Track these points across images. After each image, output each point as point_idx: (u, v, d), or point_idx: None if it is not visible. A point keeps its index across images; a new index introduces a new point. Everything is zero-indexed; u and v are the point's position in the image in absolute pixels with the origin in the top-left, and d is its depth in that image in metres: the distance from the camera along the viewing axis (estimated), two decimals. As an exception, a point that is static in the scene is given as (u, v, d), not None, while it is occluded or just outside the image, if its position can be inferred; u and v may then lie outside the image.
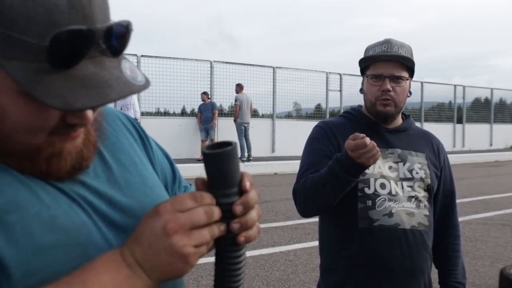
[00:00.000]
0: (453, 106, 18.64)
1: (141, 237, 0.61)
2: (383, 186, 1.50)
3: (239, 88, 11.91)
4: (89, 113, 0.61)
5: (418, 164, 1.57)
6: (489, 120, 19.50)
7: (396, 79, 1.52)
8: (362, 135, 1.33)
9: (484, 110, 19.90)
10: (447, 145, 17.66)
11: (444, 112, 19.37)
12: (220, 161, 0.63)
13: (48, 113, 0.58)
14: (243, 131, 11.75)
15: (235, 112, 11.76)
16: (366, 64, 1.59)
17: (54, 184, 0.65)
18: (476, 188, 9.11)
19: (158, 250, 0.60)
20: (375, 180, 1.50)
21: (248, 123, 11.78)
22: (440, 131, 17.13)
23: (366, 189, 1.49)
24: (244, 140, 11.79)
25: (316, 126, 1.67)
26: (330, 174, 1.41)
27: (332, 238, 1.59)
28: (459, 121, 18.46)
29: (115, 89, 0.55)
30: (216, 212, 0.63)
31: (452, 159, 14.88)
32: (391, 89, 1.51)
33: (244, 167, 10.80)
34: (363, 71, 1.62)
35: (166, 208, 0.61)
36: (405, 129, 1.64)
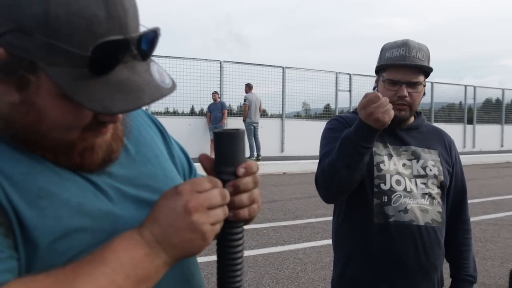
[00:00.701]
0: (463, 106, 18.50)
1: (160, 216, 0.65)
2: (398, 182, 1.52)
3: (248, 88, 11.94)
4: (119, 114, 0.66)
5: (432, 161, 1.59)
6: (500, 121, 19.30)
7: (413, 85, 1.52)
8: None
9: (495, 111, 19.71)
10: (457, 146, 17.41)
11: (454, 113, 19.22)
12: (224, 141, 0.72)
13: (83, 113, 0.63)
14: (252, 131, 11.77)
15: (244, 112, 11.81)
16: (382, 67, 1.59)
17: (83, 175, 0.70)
18: (487, 189, 9.05)
19: (179, 228, 0.64)
20: (391, 176, 1.52)
21: (257, 123, 11.80)
22: (450, 131, 16.84)
23: (382, 185, 1.51)
24: (253, 140, 11.82)
25: (332, 120, 1.70)
26: (345, 144, 1.40)
27: (347, 233, 1.61)
28: (470, 121, 18.31)
29: (147, 94, 0.60)
30: (228, 194, 0.69)
31: (463, 159, 14.62)
32: (407, 95, 1.51)
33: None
34: (378, 71, 1.62)
35: (186, 188, 0.65)
36: (417, 127, 1.65)
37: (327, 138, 1.63)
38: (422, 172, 1.57)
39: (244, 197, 0.72)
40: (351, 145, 1.40)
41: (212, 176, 0.70)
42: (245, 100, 11.81)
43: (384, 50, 1.59)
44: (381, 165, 1.53)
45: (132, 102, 0.59)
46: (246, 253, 4.51)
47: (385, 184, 1.51)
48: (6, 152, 0.65)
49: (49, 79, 0.58)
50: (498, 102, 19.79)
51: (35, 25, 0.55)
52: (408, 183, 1.53)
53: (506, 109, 19.70)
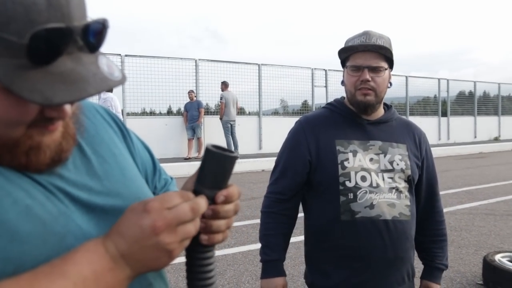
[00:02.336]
0: (437, 99, 18.85)
1: (127, 231, 0.62)
2: (363, 178, 1.53)
3: (224, 86, 11.90)
4: (67, 107, 0.63)
5: (399, 156, 1.59)
6: (473, 113, 19.76)
7: (375, 69, 1.53)
8: None
9: (468, 103, 20.16)
10: (432, 138, 18.01)
11: (429, 106, 19.56)
12: (214, 160, 0.67)
13: (27, 107, 0.59)
14: (229, 129, 11.75)
15: (221, 110, 11.76)
16: (345, 55, 1.61)
17: (31, 176, 0.66)
18: (461, 180, 9.24)
19: (145, 246, 0.62)
20: (356, 173, 1.53)
21: (234, 121, 11.78)
22: (426, 124, 17.32)
23: (347, 183, 1.52)
24: (231, 138, 11.80)
25: (297, 123, 1.71)
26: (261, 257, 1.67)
27: (315, 229, 1.62)
28: (444, 114, 18.69)
29: (92, 85, 0.57)
30: (202, 205, 0.66)
31: (438, 151, 15.05)
32: (370, 79, 1.53)
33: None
34: (343, 63, 1.64)
35: (155, 206, 0.62)
36: (386, 120, 1.65)
37: (287, 147, 1.70)
38: (389, 167, 1.57)
39: (222, 223, 0.71)
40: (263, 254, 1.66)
41: (184, 191, 0.67)
42: (221, 98, 11.75)
43: (347, 41, 1.61)
44: (345, 163, 1.54)
45: (76, 92, 0.56)
46: (226, 251, 4.50)
47: (350, 181, 1.52)
48: None
49: None
50: (471, 95, 20.25)
51: None
52: (374, 178, 1.53)
53: (478, 102, 20.20)
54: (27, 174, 0.66)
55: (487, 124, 20.10)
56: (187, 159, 11.40)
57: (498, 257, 3.70)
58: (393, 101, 17.79)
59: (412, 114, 17.60)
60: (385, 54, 1.55)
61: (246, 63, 13.79)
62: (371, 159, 1.57)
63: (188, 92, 12.13)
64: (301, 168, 1.61)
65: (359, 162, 1.55)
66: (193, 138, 11.82)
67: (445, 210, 6.50)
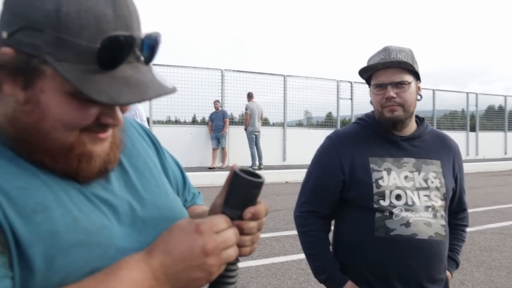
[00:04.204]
0: (466, 113, 18.45)
1: (176, 250, 0.65)
2: (398, 197, 1.50)
3: (249, 97, 11.97)
4: (120, 115, 0.69)
5: (433, 173, 1.56)
6: (503, 128, 19.24)
7: (399, 84, 1.51)
8: None
9: (498, 118, 19.66)
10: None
11: (457, 120, 19.18)
12: (242, 185, 0.70)
13: (87, 112, 0.65)
14: (253, 140, 11.78)
15: (246, 120, 11.82)
16: (367, 75, 1.60)
17: (78, 188, 0.70)
18: (491, 197, 8.97)
19: (190, 266, 0.65)
20: (391, 192, 1.50)
21: (259, 132, 11.79)
22: (453, 139, 16.94)
23: (381, 201, 1.50)
24: (255, 149, 11.80)
25: (328, 139, 1.69)
26: (315, 271, 1.64)
27: (346, 244, 1.60)
28: (473, 129, 18.26)
29: (152, 89, 0.63)
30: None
31: (466, 167, 14.60)
32: (394, 95, 1.51)
33: (255, 176, 10.77)
34: (368, 82, 1.63)
35: (206, 229, 0.66)
36: (419, 135, 1.62)
37: (317, 165, 1.68)
38: (424, 185, 1.54)
39: (246, 239, 0.74)
40: (319, 273, 1.62)
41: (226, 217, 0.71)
42: (246, 109, 11.81)
43: (368, 60, 1.60)
44: (380, 182, 1.51)
45: (138, 95, 0.62)
46: (249, 263, 4.46)
47: (384, 200, 1.50)
48: (4, 166, 0.65)
49: (56, 76, 0.61)
50: (501, 109, 19.74)
51: (46, 21, 0.59)
52: (410, 196, 1.51)
53: (509, 116, 19.64)
54: (75, 186, 0.70)
55: (518, 140, 19.52)
56: (211, 169, 11.44)
57: (532, 281, 3.55)
58: (419, 114, 17.47)
59: (439, 128, 17.21)
60: (407, 68, 1.52)
61: (272, 74, 13.83)
62: (405, 177, 1.54)
63: (214, 102, 12.24)
64: (334, 187, 1.59)
65: (394, 180, 1.52)
66: (217, 148, 11.87)
67: (474, 229, 6.30)
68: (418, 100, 1.60)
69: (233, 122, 13.44)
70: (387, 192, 1.50)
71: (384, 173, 1.53)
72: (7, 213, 0.61)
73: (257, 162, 11.77)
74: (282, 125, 13.94)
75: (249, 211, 0.71)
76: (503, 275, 4.30)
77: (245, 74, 13.41)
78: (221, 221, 0.68)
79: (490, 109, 20.15)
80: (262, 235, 5.75)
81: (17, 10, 0.60)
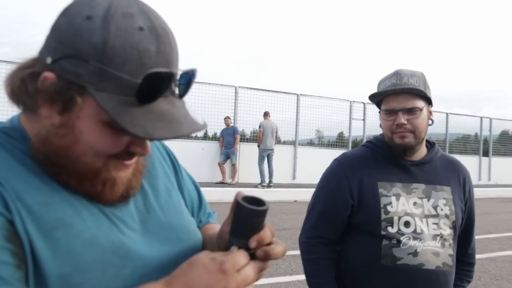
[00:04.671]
0: (479, 138, 18.28)
1: (196, 285, 0.65)
2: (407, 224, 1.46)
3: (265, 115, 12.05)
4: (149, 145, 0.70)
5: (443, 200, 1.53)
6: (517, 154, 18.99)
7: (410, 111, 1.47)
8: None
9: (512, 144, 19.43)
10: (472, 179, 17.17)
11: (470, 144, 18.99)
12: (243, 214, 0.69)
13: (119, 141, 0.67)
14: (264, 158, 11.78)
15: (259, 138, 11.89)
16: (378, 99, 1.56)
17: (97, 206, 0.71)
18: (503, 224, 8.81)
19: None
20: (399, 218, 1.46)
21: (271, 150, 11.77)
22: (465, 163, 16.55)
23: (389, 228, 1.46)
24: (265, 166, 11.79)
25: (336, 161, 1.64)
26: None
27: (351, 270, 1.55)
28: (485, 154, 18.05)
29: (185, 125, 0.65)
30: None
31: (478, 193, 14.25)
32: (405, 122, 1.47)
33: (265, 193, 10.76)
34: (378, 106, 1.59)
35: (229, 268, 0.65)
36: (430, 161, 1.59)
37: (324, 189, 1.62)
38: (433, 212, 1.50)
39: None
40: None
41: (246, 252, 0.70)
42: (260, 127, 11.87)
43: (379, 84, 1.56)
44: (388, 207, 1.47)
45: (172, 131, 0.63)
46: (261, 281, 4.43)
47: (392, 227, 1.45)
48: (28, 179, 0.66)
49: (93, 104, 0.63)
50: (515, 135, 19.51)
51: (92, 52, 0.61)
52: (418, 224, 1.47)
53: (523, 142, 19.40)
54: (94, 204, 0.71)
55: (532, 167, 19.23)
56: (218, 183, 11.45)
57: (543, 312, 3.47)
58: (432, 137, 17.35)
59: (451, 151, 17.09)
60: (419, 94, 1.48)
61: (285, 93, 13.88)
62: (414, 203, 1.50)
63: (224, 119, 12.28)
64: (343, 211, 1.54)
65: (403, 206, 1.48)
66: (223, 163, 11.83)
67: (484, 255, 6.16)
68: (430, 125, 1.56)
69: (244, 139, 13.48)
70: (395, 219, 1.46)
71: (393, 199, 1.49)
72: (28, 227, 0.62)
73: (267, 180, 11.75)
74: (293, 143, 13.93)
75: (253, 240, 0.70)
76: (513, 304, 4.21)
77: (258, 91, 13.48)
78: (241, 258, 0.67)
79: (504, 134, 19.92)
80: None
81: (65, 39, 0.62)
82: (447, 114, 17.09)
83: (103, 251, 0.67)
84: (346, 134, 15.24)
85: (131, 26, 0.62)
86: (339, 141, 15.58)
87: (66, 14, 0.64)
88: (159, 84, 0.63)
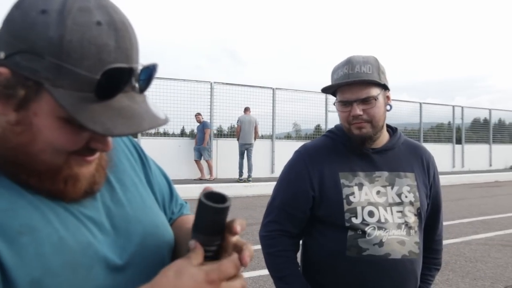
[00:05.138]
0: (452, 126, 18.71)
1: None
2: (371, 214, 1.42)
3: (245, 110, 12.07)
4: (110, 140, 0.69)
5: (407, 187, 1.49)
6: (488, 141, 19.54)
7: (365, 100, 1.42)
8: None
9: (483, 131, 19.96)
10: (446, 166, 17.80)
11: (443, 133, 19.42)
12: (208, 213, 0.66)
13: (78, 137, 0.65)
14: (243, 152, 11.82)
15: (236, 133, 11.95)
16: (332, 91, 1.50)
17: (63, 206, 0.70)
18: (476, 209, 9.06)
19: None
20: (363, 208, 1.42)
21: (249, 144, 11.81)
22: (439, 151, 17.14)
23: (353, 219, 1.41)
24: (244, 161, 11.83)
25: (296, 153, 1.58)
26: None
27: (315, 263, 1.51)
28: (458, 141, 18.49)
29: (146, 121, 0.64)
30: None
31: (452, 179, 14.69)
32: (361, 113, 1.41)
33: (244, 188, 10.77)
34: (334, 95, 1.52)
35: (215, 279, 0.63)
36: (392, 147, 1.54)
37: (285, 181, 1.56)
38: (398, 200, 1.46)
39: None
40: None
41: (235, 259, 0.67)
42: (238, 121, 11.89)
43: (332, 73, 1.50)
44: (351, 198, 1.43)
45: (133, 126, 0.62)
46: (236, 275, 4.44)
47: (356, 218, 1.41)
48: None
49: (51, 101, 0.60)
50: (486, 122, 20.06)
51: (48, 47, 0.59)
52: (382, 213, 1.43)
53: (494, 129, 19.97)
54: (59, 204, 0.70)
55: (502, 152, 19.81)
56: (196, 180, 11.41)
57: (515, 290, 3.60)
58: (407, 127, 17.70)
59: (425, 140, 17.45)
60: (373, 82, 1.42)
61: (261, 87, 13.90)
62: (378, 192, 1.45)
63: (195, 115, 12.16)
64: (304, 204, 1.49)
65: (366, 196, 1.44)
66: (199, 160, 11.75)
67: (459, 239, 6.33)
68: (388, 110, 1.51)
69: (221, 135, 13.47)
70: (359, 209, 1.41)
71: (356, 189, 1.44)
72: None
73: (246, 174, 11.79)
74: (270, 137, 13.99)
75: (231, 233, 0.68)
76: (487, 285, 4.35)
77: (234, 86, 13.47)
78: (230, 267, 0.65)
79: (475, 121, 20.45)
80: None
81: (19, 34, 0.60)
82: (420, 104, 17.42)
83: (72, 253, 0.66)
84: (323, 126, 15.39)
85: (88, 21, 0.60)
86: (317, 133, 15.70)
87: (19, 7, 0.62)
88: (118, 79, 0.62)
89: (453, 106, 18.76)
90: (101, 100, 0.61)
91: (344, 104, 1.45)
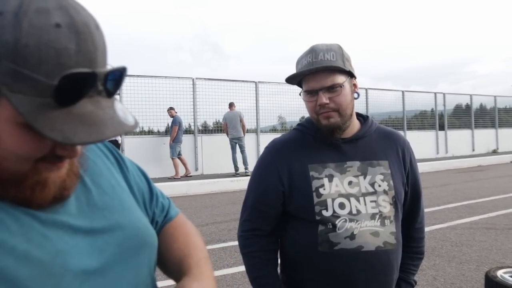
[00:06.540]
0: (435, 113, 18.93)
1: None
2: (342, 206, 1.38)
3: (230, 106, 12.08)
4: (78, 147, 0.66)
5: (380, 176, 1.44)
6: (471, 126, 19.83)
7: (331, 88, 1.38)
8: None
9: (466, 116, 20.24)
10: (430, 152, 18.04)
11: (427, 120, 19.64)
12: None
13: (41, 144, 0.62)
14: (234, 147, 11.90)
15: (224, 129, 12.06)
16: (297, 81, 1.47)
17: (30, 213, 0.67)
18: (461, 194, 9.20)
19: None
20: (333, 200, 1.38)
21: (238, 138, 11.86)
22: (423, 138, 17.36)
23: (324, 212, 1.37)
24: (236, 156, 11.91)
25: (265, 149, 1.56)
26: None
27: (291, 259, 1.48)
28: (442, 128, 18.74)
29: (110, 128, 0.60)
30: None
31: (437, 165, 14.90)
32: (327, 101, 1.38)
33: (230, 183, 10.76)
34: (300, 86, 1.49)
35: None
36: (363, 135, 1.49)
37: (257, 178, 1.53)
38: (371, 189, 1.42)
39: None
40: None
41: None
42: (223, 119, 12.00)
43: (296, 63, 1.46)
44: (321, 190, 1.39)
45: (94, 134, 0.58)
46: (225, 271, 4.45)
47: (327, 210, 1.37)
48: None
49: (9, 106, 0.58)
50: (468, 108, 20.34)
51: (3, 51, 0.55)
52: (354, 204, 1.39)
53: (475, 114, 20.28)
54: (26, 211, 0.67)
55: (485, 137, 20.16)
56: (182, 177, 11.36)
57: (500, 273, 3.66)
58: (391, 115, 17.86)
59: (409, 128, 17.65)
60: (338, 69, 1.39)
61: (243, 81, 13.86)
62: (350, 183, 1.41)
63: (168, 110, 11.87)
64: (275, 200, 1.46)
65: (336, 187, 1.40)
66: (174, 158, 11.44)
67: (445, 225, 6.41)
68: (356, 98, 1.47)
69: (206, 130, 13.42)
70: (329, 201, 1.38)
71: (325, 180, 1.40)
72: None
73: (242, 168, 11.93)
74: (255, 131, 13.98)
75: None
76: (473, 268, 4.42)
77: (216, 81, 13.41)
78: None
79: (458, 108, 20.73)
80: (237, 243, 5.67)
81: None
82: (403, 92, 17.58)
83: (39, 264, 0.64)
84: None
85: (46, 23, 0.57)
86: (301, 125, 15.73)
87: None
88: (79, 85, 0.58)
89: (435, 93, 18.99)
90: (62, 107, 0.58)
91: (310, 93, 1.42)
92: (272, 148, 1.53)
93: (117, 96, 0.67)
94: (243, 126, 11.99)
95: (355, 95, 1.47)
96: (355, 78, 1.47)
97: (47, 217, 0.68)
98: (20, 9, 0.57)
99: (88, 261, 0.69)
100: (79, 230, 0.72)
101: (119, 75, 0.64)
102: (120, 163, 0.92)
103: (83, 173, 0.79)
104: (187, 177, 11.56)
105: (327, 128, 1.42)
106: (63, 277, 0.65)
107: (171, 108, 11.89)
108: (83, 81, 0.58)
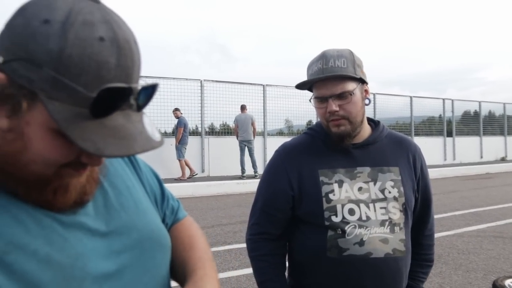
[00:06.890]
0: (443, 119, 18.83)
1: None
2: (352, 212, 1.37)
3: (241, 108, 12.09)
4: (103, 158, 0.68)
5: (391, 182, 1.43)
6: (479, 133, 19.70)
7: (341, 96, 1.37)
8: None
9: (474, 123, 20.12)
10: (438, 159, 17.94)
11: (434, 126, 19.55)
12: None
13: (69, 151, 0.64)
14: (243, 150, 11.91)
15: (235, 131, 12.10)
16: (307, 87, 1.46)
17: (50, 216, 0.68)
18: (468, 201, 9.13)
19: None
20: (343, 206, 1.37)
21: (248, 141, 11.86)
22: (431, 144, 17.26)
23: (333, 217, 1.37)
24: (244, 158, 11.92)
25: (275, 153, 1.56)
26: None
27: (298, 263, 1.48)
28: (449, 134, 18.62)
29: (139, 143, 0.62)
30: None
31: (444, 172, 14.77)
32: (337, 109, 1.37)
33: (236, 185, 10.75)
34: (311, 91, 1.48)
35: None
36: (374, 141, 1.48)
37: (266, 181, 1.52)
38: (381, 196, 1.40)
39: None
40: None
41: None
42: (234, 121, 12.02)
43: (307, 68, 1.46)
44: (330, 195, 1.38)
45: (124, 148, 0.60)
46: (230, 274, 4.44)
47: (336, 216, 1.36)
48: None
49: (44, 112, 0.59)
50: (476, 114, 20.22)
51: (47, 59, 0.57)
52: (364, 210, 1.38)
53: (484, 121, 20.15)
54: (47, 214, 0.68)
55: (493, 144, 20.01)
56: (189, 178, 11.37)
57: (508, 282, 3.63)
58: (398, 121, 17.80)
59: (417, 134, 17.56)
60: (348, 77, 1.37)
61: (251, 84, 13.88)
62: (359, 189, 1.40)
63: (173, 111, 11.86)
64: (284, 204, 1.46)
65: (346, 193, 1.39)
66: (181, 159, 11.47)
67: (452, 232, 6.36)
68: (367, 104, 1.45)
69: (213, 132, 13.44)
70: (338, 207, 1.36)
71: (335, 186, 1.39)
72: None
73: (250, 171, 11.95)
74: (262, 134, 13.98)
75: None
76: (480, 276, 4.37)
77: (224, 84, 13.44)
78: None
79: (466, 114, 20.62)
80: (243, 245, 5.73)
81: (19, 41, 0.59)
82: (411, 97, 17.51)
83: (60, 267, 0.65)
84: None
85: (91, 36, 0.58)
86: (308, 129, 15.71)
87: (22, 13, 0.60)
88: (115, 99, 0.60)
89: (443, 99, 18.89)
90: (95, 118, 0.59)
91: (320, 100, 1.41)
92: (282, 152, 1.53)
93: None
94: (253, 129, 12.02)
95: (366, 101, 1.45)
96: (367, 83, 1.45)
97: (67, 219, 0.70)
98: (67, 20, 0.58)
99: (106, 264, 0.71)
100: (97, 232, 0.73)
101: (150, 92, 0.66)
102: (134, 163, 0.94)
103: (102, 179, 0.80)
104: (193, 177, 11.58)
105: (337, 135, 1.41)
106: (83, 281, 0.66)
107: (176, 109, 11.90)
108: (119, 95, 0.60)
